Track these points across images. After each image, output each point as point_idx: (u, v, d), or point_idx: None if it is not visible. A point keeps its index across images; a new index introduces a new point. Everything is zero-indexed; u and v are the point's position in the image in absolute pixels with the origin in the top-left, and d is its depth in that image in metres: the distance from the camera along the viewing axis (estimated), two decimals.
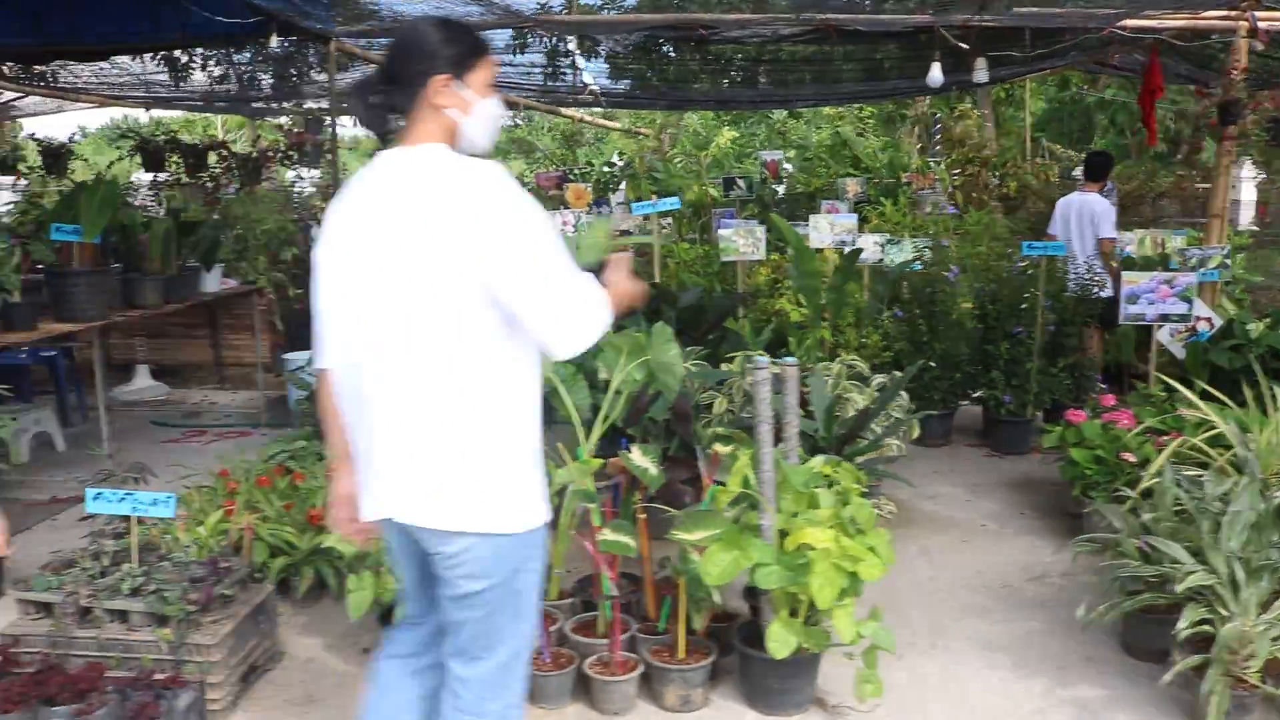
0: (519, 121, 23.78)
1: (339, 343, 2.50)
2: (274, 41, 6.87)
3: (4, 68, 7.76)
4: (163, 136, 7.73)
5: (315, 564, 4.64)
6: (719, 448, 4.26)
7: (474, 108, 2.42)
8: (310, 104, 10.97)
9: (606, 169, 10.00)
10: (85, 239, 5.45)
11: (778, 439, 4.88)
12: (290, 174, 8.50)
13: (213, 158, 7.60)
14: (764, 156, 10.35)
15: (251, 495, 4.91)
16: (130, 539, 4.05)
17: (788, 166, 12.96)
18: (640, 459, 3.98)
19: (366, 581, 3.81)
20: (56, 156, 7.46)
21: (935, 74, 7.17)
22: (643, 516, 4.09)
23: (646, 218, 8.08)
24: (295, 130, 7.38)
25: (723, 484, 3.93)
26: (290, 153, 7.45)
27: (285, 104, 10.90)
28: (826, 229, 7.73)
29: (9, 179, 9.96)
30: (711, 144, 12.82)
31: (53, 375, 6.98)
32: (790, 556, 3.61)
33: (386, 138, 2.47)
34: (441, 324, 2.31)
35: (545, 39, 8.42)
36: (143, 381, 7.91)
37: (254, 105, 10.95)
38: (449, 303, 2.29)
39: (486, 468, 2.39)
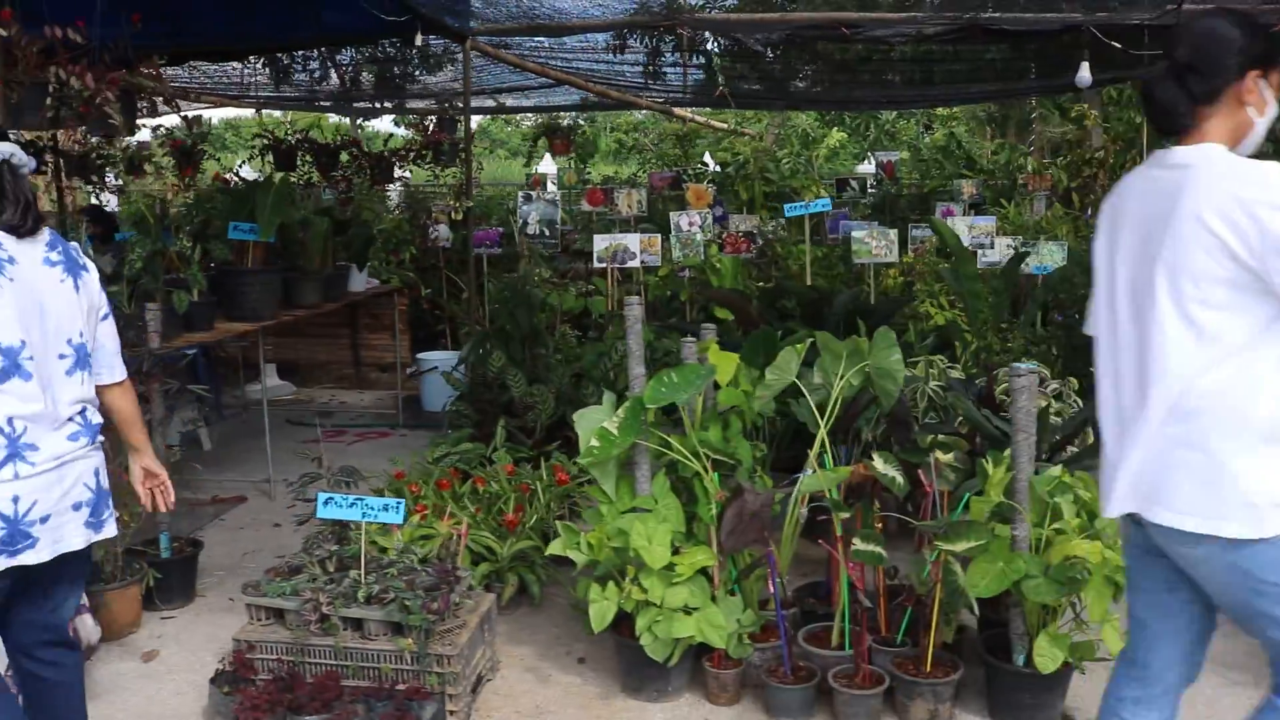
0: (580, 121, 23.75)
1: (1102, 334, 2.54)
2: (419, 40, 6.80)
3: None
4: (296, 135, 7.69)
5: (517, 570, 4.56)
6: (940, 455, 4.15)
7: (1268, 108, 2.38)
8: (415, 103, 10.96)
9: (719, 170, 9.91)
10: (262, 238, 5.41)
11: (974, 445, 4.78)
12: (404, 174, 8.45)
13: (344, 157, 7.56)
14: (880, 157, 10.19)
15: (442, 500, 4.84)
16: (358, 545, 3.98)
17: (864, 168, 12.84)
18: (885, 467, 3.88)
19: (610, 592, 3.72)
20: (188, 155, 7.43)
21: (1084, 74, 7.01)
22: (878, 525, 4.00)
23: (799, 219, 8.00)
24: (431, 129, 7.31)
25: (977, 493, 3.82)
26: (424, 152, 7.39)
27: (388, 103, 10.88)
28: (964, 231, 7.60)
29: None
30: (821, 144, 12.69)
31: (192, 374, 6.93)
32: (1059, 569, 3.49)
33: (1173, 133, 2.39)
34: (1207, 320, 2.26)
35: (648, 39, 8.35)
36: (270, 380, 7.86)
37: (355, 105, 10.94)
38: (1221, 298, 2.24)
39: (1234, 460, 2.26)
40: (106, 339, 3.07)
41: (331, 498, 3.83)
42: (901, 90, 8.39)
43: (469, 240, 7.58)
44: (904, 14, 6.88)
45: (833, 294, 6.30)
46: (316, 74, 9.43)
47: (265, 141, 7.37)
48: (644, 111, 17.32)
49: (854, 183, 9.58)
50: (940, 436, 4.50)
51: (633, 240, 7.51)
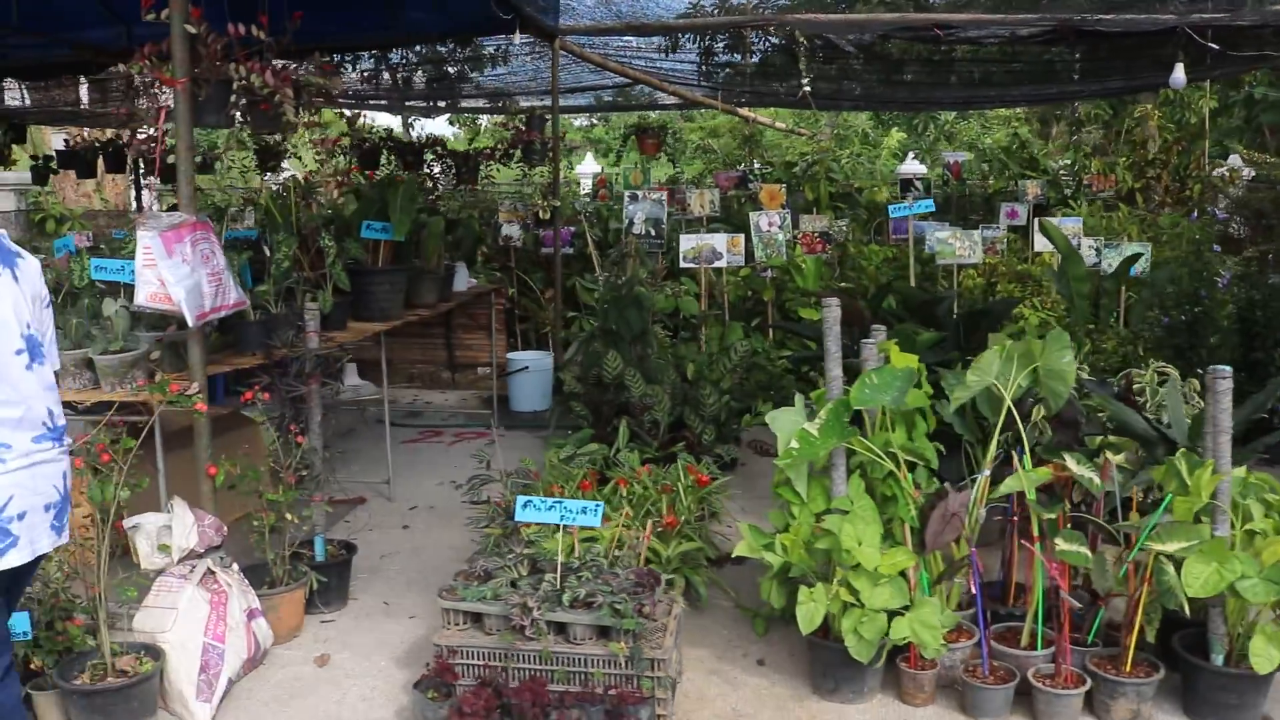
0: (594, 121, 23.72)
1: None
2: (517, 39, 6.78)
3: None
4: (381, 134, 7.63)
5: (683, 572, 4.54)
6: (1111, 455, 4.18)
7: None
8: (466, 102, 10.91)
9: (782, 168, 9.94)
10: (395, 237, 5.36)
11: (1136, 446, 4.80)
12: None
13: (428, 156, 7.51)
14: (947, 158, 10.24)
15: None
16: (538, 548, 3.96)
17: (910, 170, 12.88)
18: (1080, 467, 3.89)
19: (819, 594, 3.71)
20: (272, 155, 7.36)
21: (1178, 75, 7.06)
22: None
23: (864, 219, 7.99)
24: (521, 128, 7.26)
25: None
26: (510, 151, 7.35)
27: (448, 100, 10.83)
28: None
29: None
30: (882, 145, 12.74)
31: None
32: (1274, 570, 3.51)
33: None
34: None
35: (699, 41, 8.36)
36: (351, 380, 7.80)
37: (409, 104, 10.89)
38: None
39: None
40: (48, 327, 3.04)
41: (530, 501, 3.81)
42: (978, 91, 8.43)
43: (555, 239, 7.55)
44: (999, 15, 6.91)
45: (939, 296, 6.31)
46: (366, 73, 9.38)
47: (350, 140, 7.30)
48: (658, 111, 17.34)
49: (918, 183, 9.63)
50: (1110, 438, 4.53)
51: (719, 240, 7.51)
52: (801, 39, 7.16)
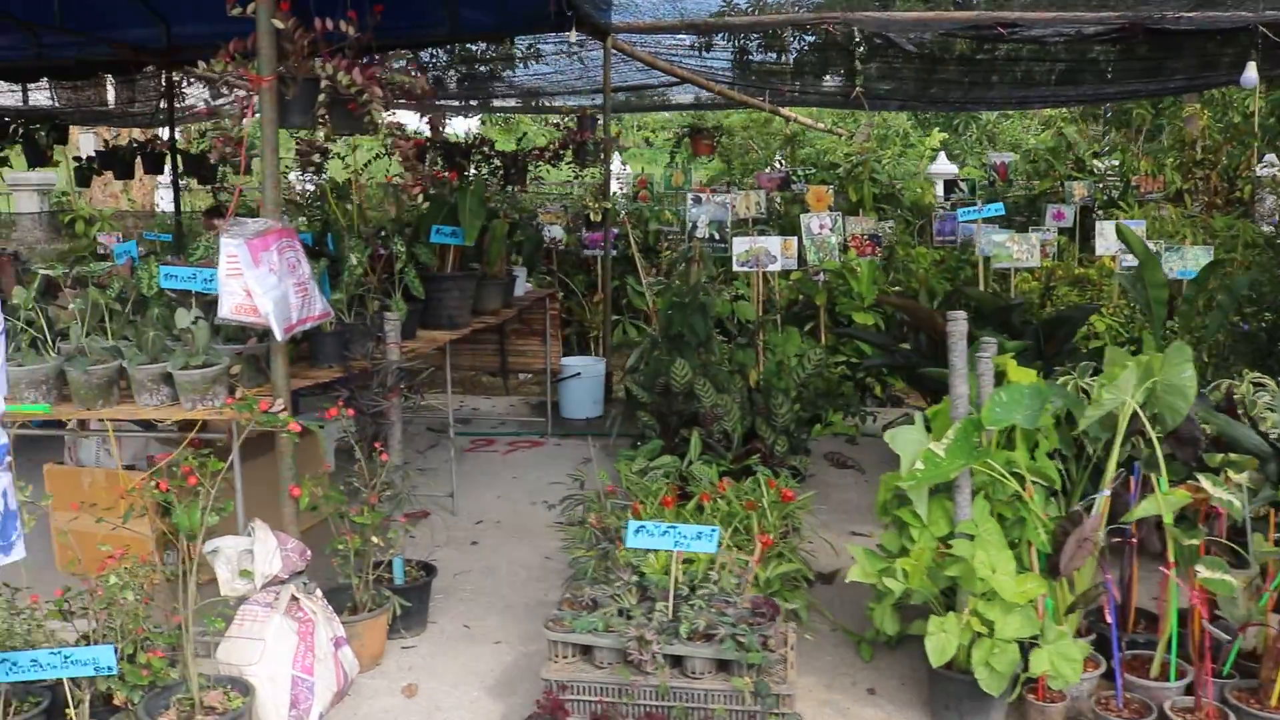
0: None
1: None
2: (574, 36, 6.57)
3: None
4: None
5: (782, 594, 4.34)
6: (1233, 474, 3.99)
7: None
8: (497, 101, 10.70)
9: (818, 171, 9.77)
10: (466, 242, 5.15)
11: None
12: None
13: (475, 156, 7.28)
14: (994, 159, 10.07)
15: (679, 519, 4.61)
16: (669, 576, 3.76)
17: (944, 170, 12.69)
18: (1217, 489, 3.70)
19: (950, 624, 3.51)
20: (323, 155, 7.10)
21: (1250, 73, 6.89)
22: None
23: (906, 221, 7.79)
24: (573, 128, 7.05)
25: None
26: (560, 152, 7.14)
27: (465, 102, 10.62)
28: (1111, 236, 7.47)
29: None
30: (924, 145, 12.54)
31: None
32: None
33: None
34: None
35: (734, 40, 8.16)
36: None
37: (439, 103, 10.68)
38: None
39: None
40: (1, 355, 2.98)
41: (643, 526, 3.60)
42: (1033, 90, 8.25)
43: (605, 241, 7.35)
44: (1070, 13, 6.72)
45: (1012, 303, 6.12)
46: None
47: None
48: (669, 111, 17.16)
49: (962, 184, 9.45)
50: (1230, 455, 4.33)
51: (773, 243, 7.30)
52: (857, 37, 6.95)
